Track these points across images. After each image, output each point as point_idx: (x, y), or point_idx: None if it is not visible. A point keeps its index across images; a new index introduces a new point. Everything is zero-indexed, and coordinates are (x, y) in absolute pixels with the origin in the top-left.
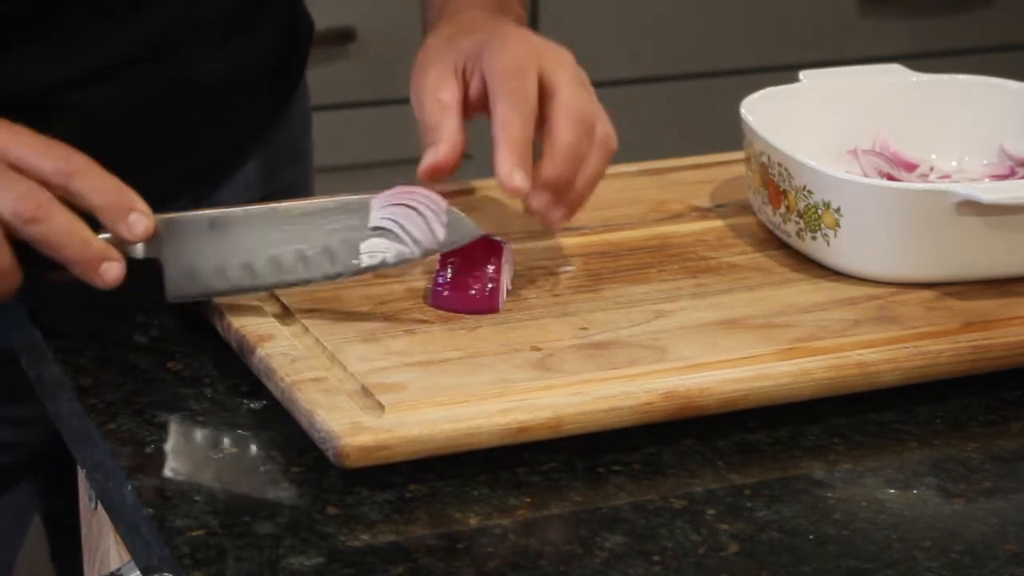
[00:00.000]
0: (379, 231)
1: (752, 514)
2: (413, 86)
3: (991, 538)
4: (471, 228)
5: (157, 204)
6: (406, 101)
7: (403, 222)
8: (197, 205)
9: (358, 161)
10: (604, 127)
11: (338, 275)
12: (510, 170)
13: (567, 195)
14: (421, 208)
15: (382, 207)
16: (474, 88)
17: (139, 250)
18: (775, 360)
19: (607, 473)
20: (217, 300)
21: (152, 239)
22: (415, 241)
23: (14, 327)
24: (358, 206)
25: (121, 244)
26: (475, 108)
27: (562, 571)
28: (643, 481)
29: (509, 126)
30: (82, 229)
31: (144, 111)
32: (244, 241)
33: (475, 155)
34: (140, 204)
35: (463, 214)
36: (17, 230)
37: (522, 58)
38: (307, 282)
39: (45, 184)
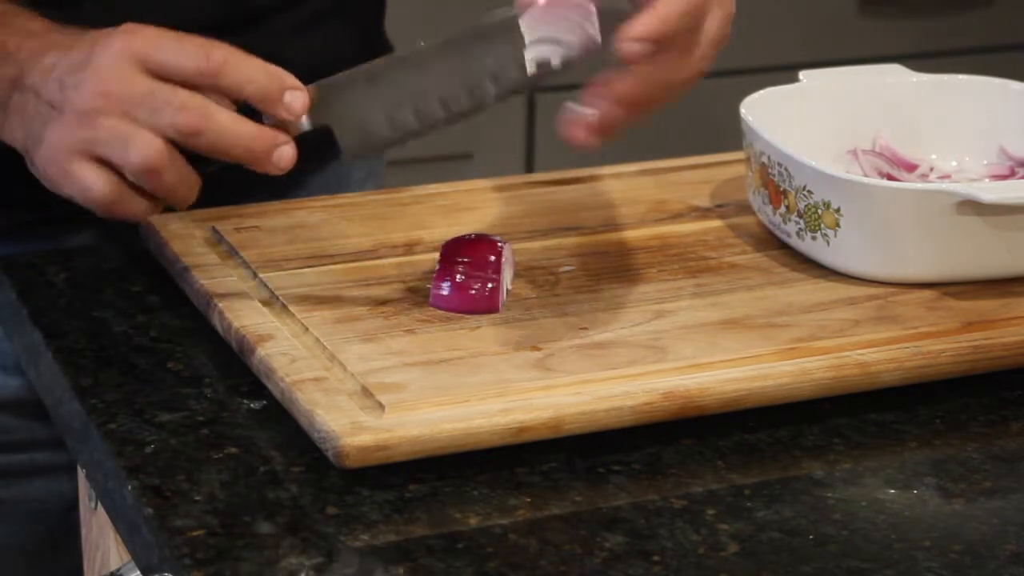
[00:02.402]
0: (536, 43)
1: (752, 514)
2: None
3: (991, 538)
4: (623, 6)
5: (232, 198)
6: None
7: (557, 33)
8: (274, 197)
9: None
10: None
11: (506, 94)
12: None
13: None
14: (570, 15)
15: (532, 26)
16: None
17: (305, 123)
18: (775, 360)
19: (607, 473)
20: (219, 302)
21: (313, 109)
22: (572, 45)
23: (14, 327)
24: (507, 27)
25: (284, 123)
26: None
27: (562, 571)
28: (643, 481)
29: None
30: (245, 125)
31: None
32: (405, 86)
33: (475, 155)
34: (290, 80)
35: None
36: (183, 144)
37: None
38: (479, 108)
39: (193, 84)
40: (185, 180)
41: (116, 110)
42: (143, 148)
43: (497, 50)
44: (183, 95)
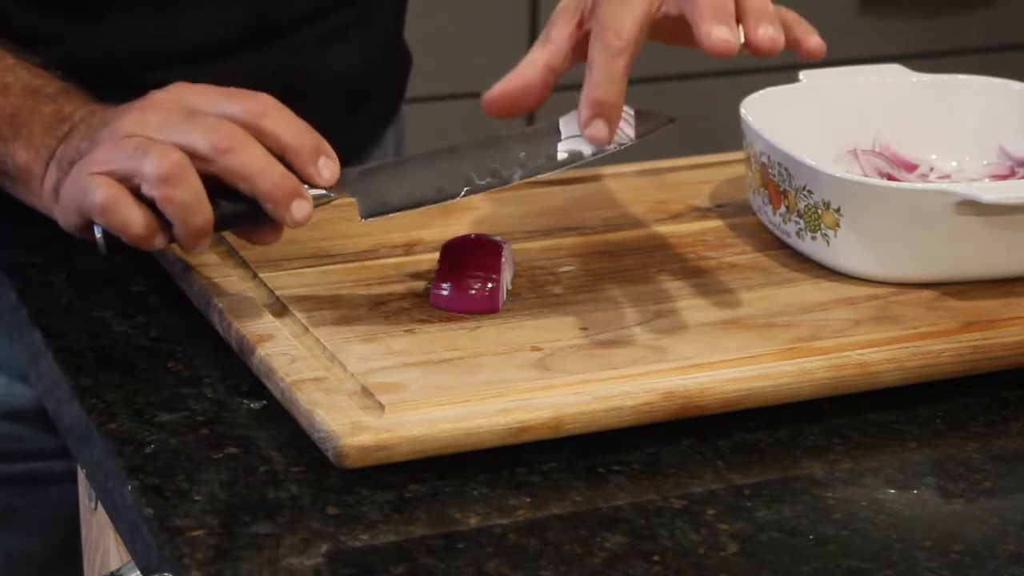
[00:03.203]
0: (572, 139)
1: (752, 514)
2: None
3: (991, 538)
4: (660, 118)
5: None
6: (449, 98)
7: None
8: None
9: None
10: None
11: (534, 171)
12: (588, 119)
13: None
14: None
15: (570, 123)
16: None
17: (327, 193)
18: (775, 360)
19: (607, 473)
20: (219, 302)
21: (338, 183)
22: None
23: (15, 328)
24: (547, 130)
25: (309, 183)
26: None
27: (562, 571)
28: (643, 481)
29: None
30: (276, 163)
31: None
32: (432, 171)
33: None
34: (327, 148)
35: (649, 109)
36: (213, 162)
37: None
38: (503, 183)
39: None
40: (198, 201)
41: (150, 130)
42: (160, 155)
43: (532, 147)
44: (223, 119)
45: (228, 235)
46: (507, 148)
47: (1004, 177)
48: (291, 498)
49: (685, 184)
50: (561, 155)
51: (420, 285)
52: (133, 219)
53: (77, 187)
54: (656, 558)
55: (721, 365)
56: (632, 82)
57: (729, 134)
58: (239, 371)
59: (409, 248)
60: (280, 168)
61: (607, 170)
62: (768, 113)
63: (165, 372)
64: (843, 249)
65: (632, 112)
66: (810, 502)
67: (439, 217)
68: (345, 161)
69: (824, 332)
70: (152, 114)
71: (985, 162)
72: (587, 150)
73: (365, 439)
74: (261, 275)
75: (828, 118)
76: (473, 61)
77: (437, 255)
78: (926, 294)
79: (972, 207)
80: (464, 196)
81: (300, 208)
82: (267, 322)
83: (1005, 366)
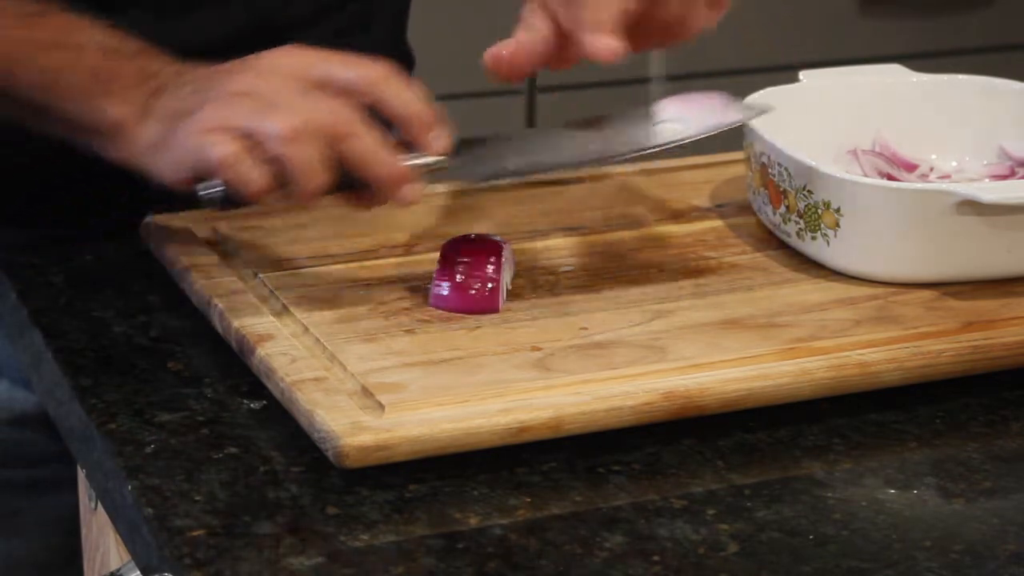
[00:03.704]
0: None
1: (752, 514)
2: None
3: (991, 538)
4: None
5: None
6: (449, 97)
7: (685, 114)
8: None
9: None
10: None
11: (627, 153)
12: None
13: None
14: (698, 102)
15: (666, 107)
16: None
17: (435, 159)
18: (775, 360)
19: (607, 473)
20: (219, 302)
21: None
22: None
23: (15, 328)
24: (642, 115)
25: (423, 152)
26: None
27: (562, 571)
28: (643, 481)
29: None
30: (391, 150)
31: None
32: (536, 144)
33: None
34: (441, 118)
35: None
36: (331, 145)
37: None
38: (606, 162)
39: (351, 93)
40: (319, 163)
41: (266, 97)
42: (286, 116)
43: (631, 129)
44: (341, 102)
45: (228, 235)
46: (605, 128)
47: (1004, 177)
48: (291, 498)
49: (685, 184)
50: (660, 136)
51: (420, 285)
52: (253, 176)
53: (192, 141)
54: (656, 558)
55: (721, 365)
56: (632, 82)
57: (729, 134)
58: (239, 371)
59: (409, 248)
60: (390, 157)
61: (607, 170)
62: (768, 113)
63: (165, 372)
64: (843, 249)
65: (727, 99)
66: (810, 502)
67: (439, 217)
68: None
69: (824, 332)
70: (269, 78)
71: (985, 162)
72: (686, 131)
73: (365, 439)
74: (261, 275)
75: (828, 118)
76: (473, 61)
77: (437, 255)
78: (926, 294)
79: (972, 207)
80: (568, 169)
81: (410, 191)
82: (267, 322)
83: (1005, 366)
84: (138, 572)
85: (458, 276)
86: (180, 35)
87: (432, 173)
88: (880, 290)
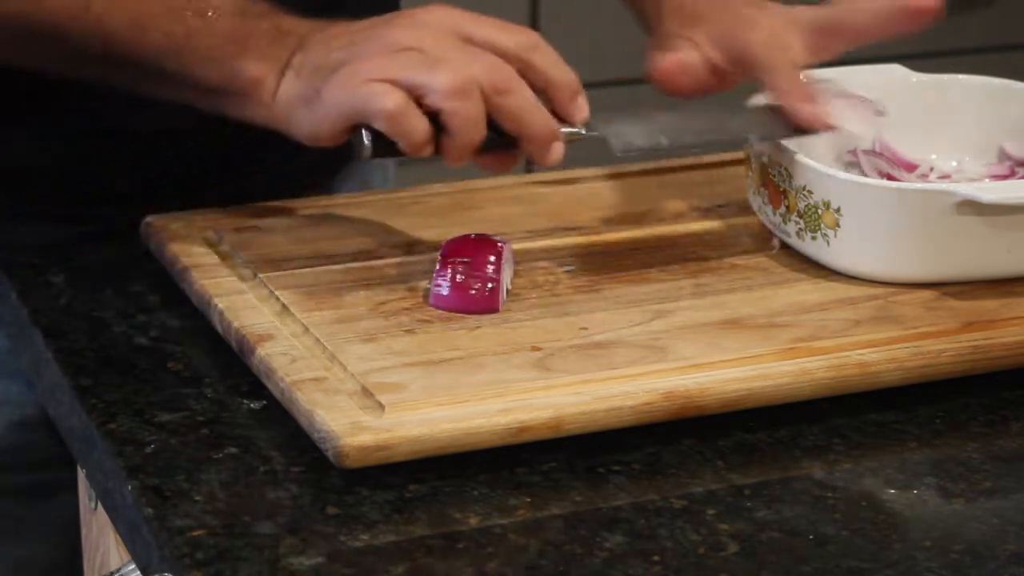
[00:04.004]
0: None
1: (752, 514)
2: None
3: (991, 538)
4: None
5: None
6: None
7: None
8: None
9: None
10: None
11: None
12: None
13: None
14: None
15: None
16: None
17: (575, 129)
18: (775, 360)
19: (607, 473)
20: (219, 302)
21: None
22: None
23: (15, 328)
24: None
25: (568, 119)
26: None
27: (562, 571)
28: (643, 481)
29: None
30: (544, 108)
31: None
32: (675, 119)
33: None
34: (582, 89)
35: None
36: (488, 99)
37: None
38: (736, 146)
39: (502, 55)
40: (480, 117)
41: (424, 52)
42: (452, 71)
43: (763, 118)
44: (497, 59)
45: (228, 235)
46: (740, 113)
47: (1004, 177)
48: (291, 498)
49: (685, 184)
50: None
51: (420, 285)
52: (418, 127)
53: (354, 92)
54: (656, 558)
55: (721, 365)
56: (632, 82)
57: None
58: (239, 371)
59: (409, 248)
60: (545, 114)
61: (607, 170)
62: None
63: (165, 372)
64: (843, 249)
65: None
66: (810, 502)
67: (439, 217)
68: (344, 165)
69: (824, 332)
70: (427, 34)
71: (985, 162)
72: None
73: (365, 439)
74: (261, 275)
75: None
76: None
77: (437, 255)
78: (926, 294)
79: (972, 207)
80: (703, 146)
81: (557, 149)
82: (267, 322)
83: (1005, 366)
84: (138, 572)
85: (458, 276)
86: None
87: (570, 143)
88: (880, 290)
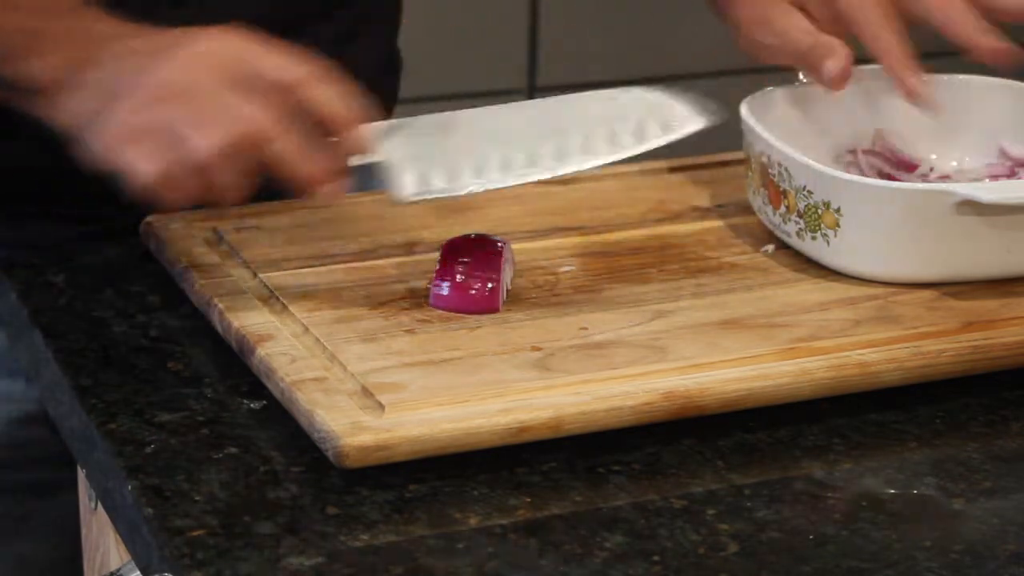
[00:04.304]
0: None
1: (752, 514)
2: (753, 29)
3: (991, 538)
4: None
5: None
6: (444, 98)
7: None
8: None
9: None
10: None
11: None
12: (915, 82)
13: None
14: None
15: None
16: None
17: (368, 157)
18: (775, 360)
19: (607, 473)
20: (219, 302)
21: (379, 143)
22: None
23: (15, 328)
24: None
25: (349, 153)
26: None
27: (562, 571)
28: (643, 481)
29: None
30: (313, 152)
31: None
32: (477, 140)
33: None
34: (365, 113)
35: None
36: (252, 153)
37: None
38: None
39: (276, 92)
40: (239, 181)
41: (190, 101)
42: (211, 133)
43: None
44: (263, 103)
45: (228, 235)
46: (564, 112)
47: (1004, 177)
48: (291, 498)
49: (685, 184)
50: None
51: (420, 285)
52: (175, 192)
53: (116, 150)
54: (656, 558)
55: (721, 365)
56: (632, 83)
57: (729, 134)
58: (239, 371)
59: (409, 248)
60: (312, 158)
61: (607, 170)
62: (768, 113)
63: (165, 372)
64: (843, 249)
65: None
66: (810, 502)
67: (439, 217)
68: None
69: (824, 332)
70: (200, 76)
71: (985, 162)
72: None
73: (365, 439)
74: (261, 275)
75: (828, 118)
76: (471, 61)
77: (437, 255)
78: (926, 294)
79: (972, 207)
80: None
81: (329, 191)
82: (267, 322)
83: (1005, 366)
84: (138, 572)
85: (458, 276)
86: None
87: (374, 170)
88: (880, 290)
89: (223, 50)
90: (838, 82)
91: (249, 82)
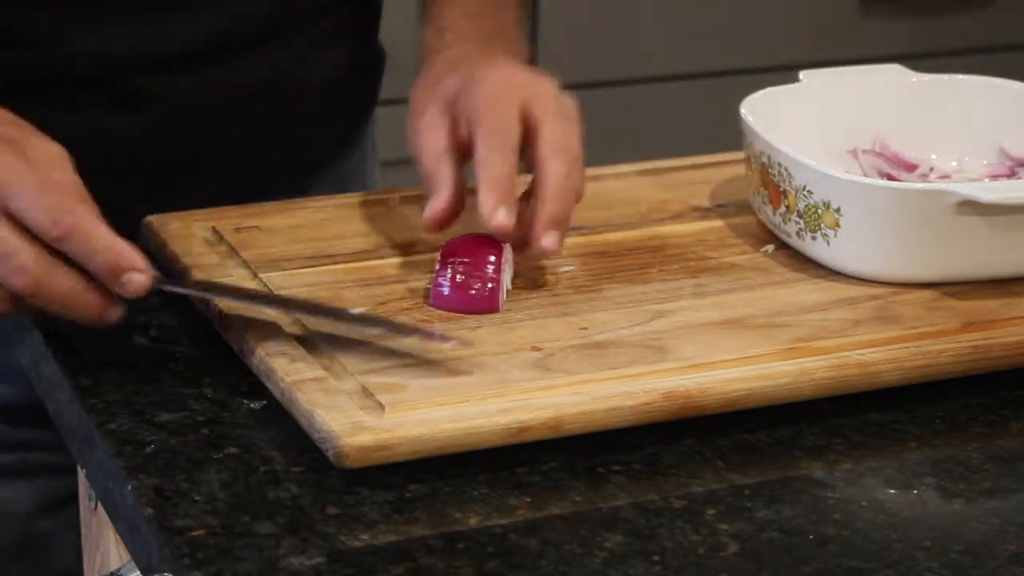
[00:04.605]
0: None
1: (752, 514)
2: (409, 134)
3: (991, 538)
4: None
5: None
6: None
7: None
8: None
9: (403, 157)
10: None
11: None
12: (493, 207)
13: (564, 226)
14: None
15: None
16: (464, 129)
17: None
18: (775, 360)
19: (607, 473)
20: (219, 302)
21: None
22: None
23: (14, 328)
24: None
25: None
26: (469, 149)
27: (562, 571)
28: (643, 481)
29: (489, 163)
30: (82, 295)
31: (224, 108)
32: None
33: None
34: (134, 261)
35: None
36: (28, 297)
37: (500, 92)
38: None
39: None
40: (61, 302)
41: None
42: None
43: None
44: (26, 255)
45: (228, 235)
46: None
47: (1004, 177)
48: (291, 498)
49: (685, 184)
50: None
51: (420, 285)
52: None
53: None
54: (656, 558)
55: (721, 365)
56: (632, 82)
57: (729, 134)
58: (239, 371)
59: (409, 248)
60: (81, 299)
61: (607, 170)
62: (768, 113)
63: (165, 372)
64: (843, 249)
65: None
66: (810, 502)
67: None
68: (320, 166)
69: (824, 332)
70: None
71: (985, 162)
72: None
73: (365, 439)
74: (261, 275)
75: (828, 118)
76: None
77: (437, 255)
78: (926, 294)
79: (972, 207)
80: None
81: (109, 313)
82: (267, 322)
83: (1005, 366)
84: (138, 572)
85: (458, 276)
86: (165, 40)
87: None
88: (880, 290)
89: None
90: (428, 227)
91: (15, 218)
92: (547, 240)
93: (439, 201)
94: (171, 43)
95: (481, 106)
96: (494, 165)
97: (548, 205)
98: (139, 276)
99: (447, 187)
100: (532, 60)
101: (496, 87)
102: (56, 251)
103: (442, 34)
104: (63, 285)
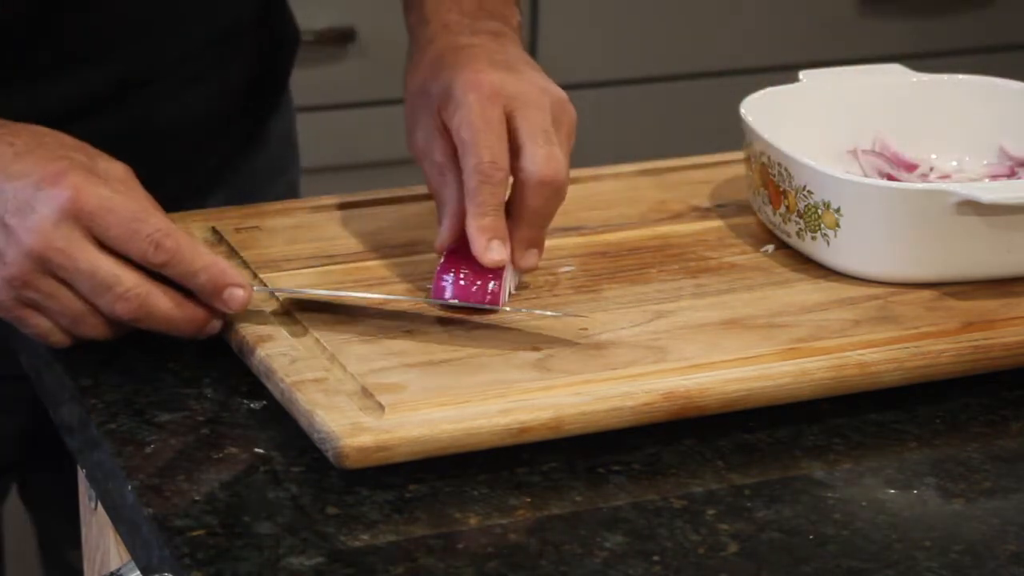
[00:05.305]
0: None
1: (752, 514)
2: (408, 146)
3: (991, 538)
4: None
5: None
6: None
7: None
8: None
9: (353, 162)
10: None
11: None
12: (485, 247)
13: (541, 244)
14: None
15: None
16: (455, 138)
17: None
18: (775, 360)
19: (607, 473)
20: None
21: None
22: None
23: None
24: None
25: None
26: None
27: (562, 571)
28: (643, 481)
29: (479, 197)
30: (182, 308)
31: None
32: None
33: None
34: (234, 277)
35: None
36: (122, 324)
37: (485, 112)
38: None
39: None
40: (163, 322)
41: (57, 275)
42: (88, 329)
43: None
44: (127, 282)
45: (228, 235)
46: None
47: (1004, 177)
48: (291, 498)
49: (685, 184)
50: None
51: (420, 285)
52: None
53: (9, 315)
54: (656, 558)
55: (721, 365)
56: (632, 82)
57: (729, 134)
58: (239, 371)
59: (409, 248)
60: (187, 312)
61: (607, 170)
62: (768, 113)
63: (165, 372)
64: (843, 249)
65: None
66: (810, 502)
67: None
68: (227, 164)
69: (824, 332)
70: (56, 246)
71: (985, 162)
72: None
73: (365, 440)
74: (261, 275)
75: (828, 118)
76: None
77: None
78: (926, 294)
79: (972, 207)
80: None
81: (212, 326)
82: (267, 322)
83: (1005, 366)
84: (138, 572)
85: (459, 276)
86: (51, 98)
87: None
88: (880, 290)
89: (79, 215)
90: (440, 251)
91: (105, 270)
92: (524, 261)
93: (447, 229)
94: (44, 103)
95: (467, 139)
96: (484, 201)
97: (524, 229)
98: (240, 292)
99: (453, 211)
100: (531, 50)
101: (481, 105)
102: (151, 271)
103: (425, 25)
104: (165, 306)
